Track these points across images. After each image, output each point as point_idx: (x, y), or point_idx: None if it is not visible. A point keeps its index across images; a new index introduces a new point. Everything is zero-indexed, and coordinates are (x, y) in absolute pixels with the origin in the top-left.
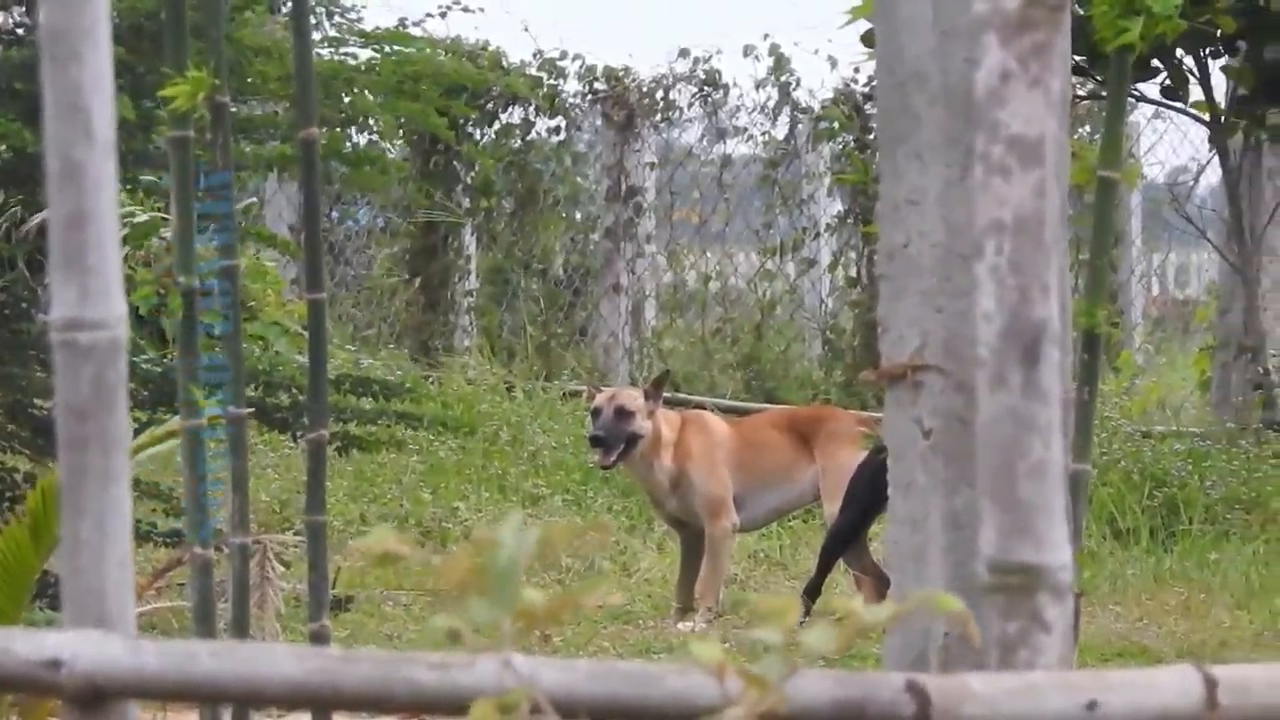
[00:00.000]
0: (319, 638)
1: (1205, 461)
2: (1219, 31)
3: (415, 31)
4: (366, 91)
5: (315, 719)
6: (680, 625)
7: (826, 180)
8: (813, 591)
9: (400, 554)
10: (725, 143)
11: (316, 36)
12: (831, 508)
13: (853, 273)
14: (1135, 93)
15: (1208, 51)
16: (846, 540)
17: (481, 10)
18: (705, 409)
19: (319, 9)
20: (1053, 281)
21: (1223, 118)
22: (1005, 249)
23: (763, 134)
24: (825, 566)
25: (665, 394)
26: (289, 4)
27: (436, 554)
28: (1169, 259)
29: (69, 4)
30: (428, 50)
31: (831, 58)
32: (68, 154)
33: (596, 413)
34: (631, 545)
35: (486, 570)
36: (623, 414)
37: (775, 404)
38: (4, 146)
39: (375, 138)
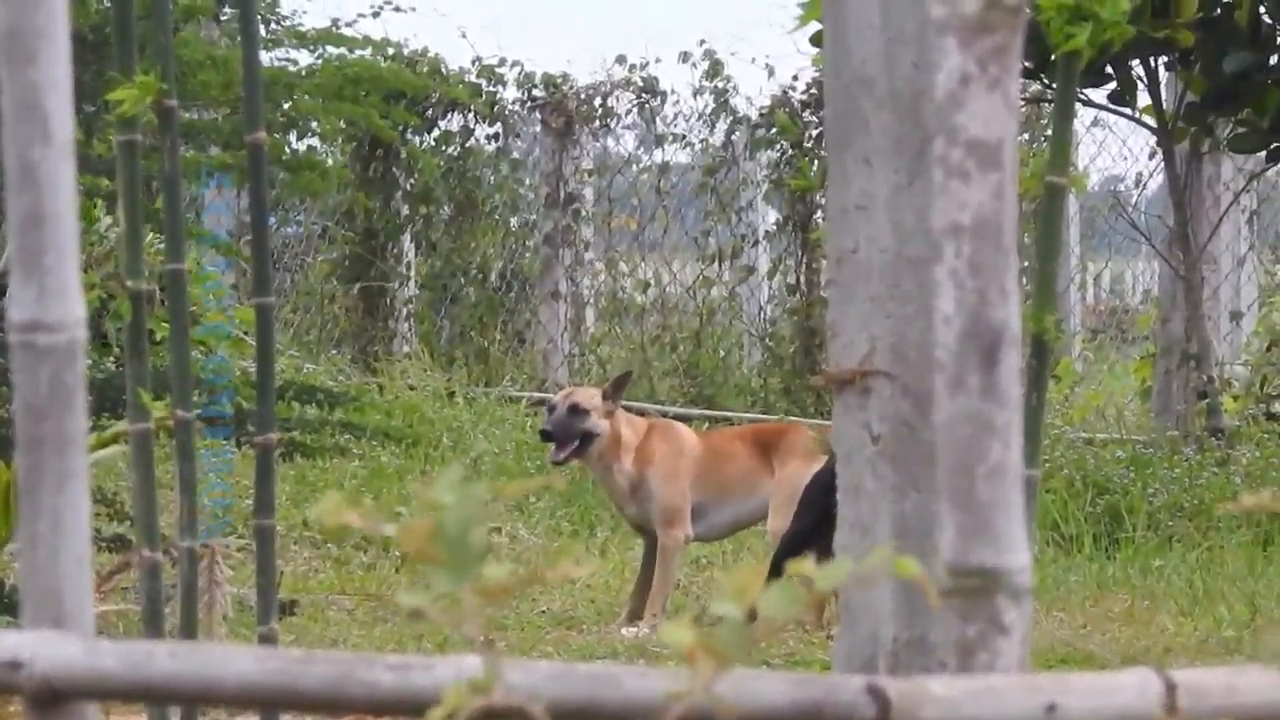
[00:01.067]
0: (268, 641)
1: (1148, 469)
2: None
3: (348, 32)
4: (307, 96)
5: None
6: (625, 631)
7: (764, 187)
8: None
9: (353, 525)
10: (663, 150)
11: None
12: (775, 521)
13: (791, 280)
14: (1082, 97)
15: (1159, 60)
16: (797, 548)
17: (413, 9)
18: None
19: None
20: (1011, 285)
21: (1169, 124)
22: (964, 252)
23: (700, 141)
24: (776, 574)
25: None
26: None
27: (389, 523)
28: (1104, 268)
29: (25, 3)
30: (364, 51)
31: (769, 65)
32: (25, 154)
33: (551, 409)
34: (573, 552)
35: (441, 537)
36: (576, 410)
37: (714, 410)
38: None
39: (315, 144)
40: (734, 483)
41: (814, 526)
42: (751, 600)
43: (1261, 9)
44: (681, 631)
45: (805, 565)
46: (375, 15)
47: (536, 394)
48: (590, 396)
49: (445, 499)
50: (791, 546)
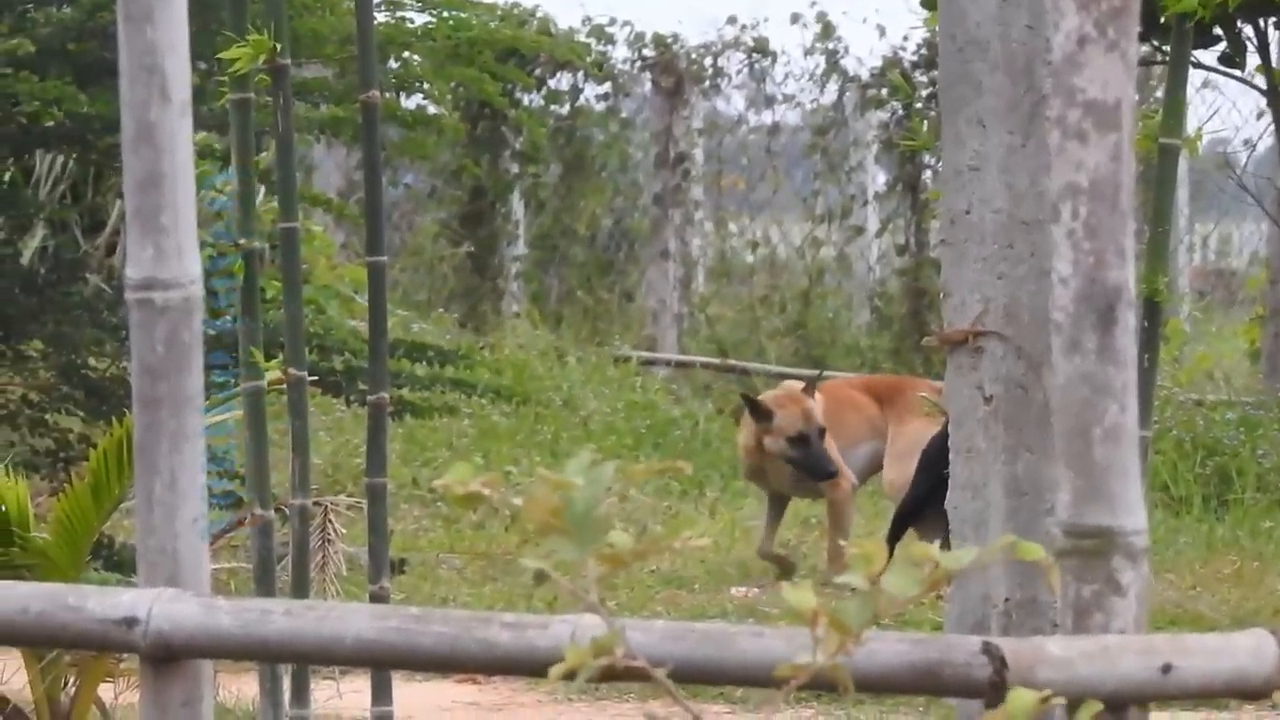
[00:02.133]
0: (379, 599)
1: (1257, 430)
2: None
3: None
4: (419, 57)
5: (376, 678)
6: (735, 591)
7: (874, 148)
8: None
9: (481, 494)
10: (773, 110)
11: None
12: (891, 471)
13: (900, 240)
14: (1192, 59)
15: (1269, 20)
16: (916, 511)
17: None
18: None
19: None
20: (1128, 246)
21: None
22: (1081, 213)
23: (811, 101)
24: (896, 535)
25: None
26: None
27: (515, 497)
28: (1213, 230)
29: None
30: (484, 21)
31: (880, 26)
32: (143, 115)
33: (804, 439)
34: (684, 510)
35: (566, 510)
36: (823, 433)
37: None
38: (58, 109)
39: (425, 103)
40: (859, 429)
41: (931, 489)
42: (877, 571)
43: None
44: (805, 595)
45: (929, 548)
46: None
47: (646, 353)
48: (817, 410)
49: (575, 480)
50: (910, 510)
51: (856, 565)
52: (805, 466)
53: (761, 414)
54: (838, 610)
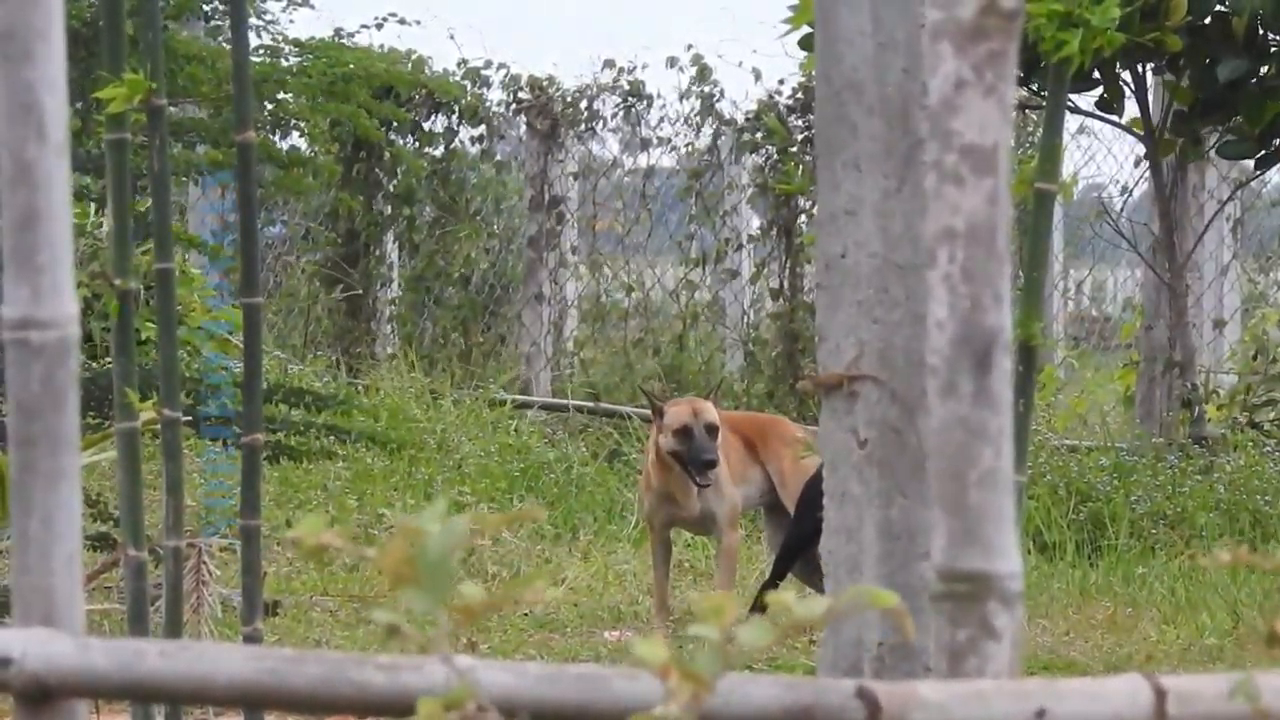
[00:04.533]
0: (253, 641)
1: (1131, 476)
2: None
3: (349, 44)
4: (296, 94)
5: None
6: (608, 634)
7: (749, 192)
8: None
9: (333, 546)
10: (648, 153)
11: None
12: (791, 507)
13: (775, 284)
14: (1070, 105)
15: (1146, 66)
16: (796, 552)
17: (419, 23)
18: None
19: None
20: (1004, 290)
21: (1156, 133)
22: (958, 257)
23: (686, 145)
24: (779, 573)
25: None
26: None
27: (367, 547)
28: (1088, 276)
29: (23, 2)
30: (360, 57)
31: (756, 69)
32: (20, 154)
33: (687, 431)
34: (557, 554)
35: (419, 561)
36: (712, 429)
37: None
38: None
39: (299, 143)
40: (737, 469)
41: (812, 531)
42: (728, 622)
43: (1258, 17)
44: (656, 649)
45: (783, 597)
46: (379, 27)
47: (520, 396)
48: (714, 412)
49: (429, 528)
50: (791, 551)
51: (707, 616)
52: (687, 458)
53: (656, 412)
54: (688, 659)
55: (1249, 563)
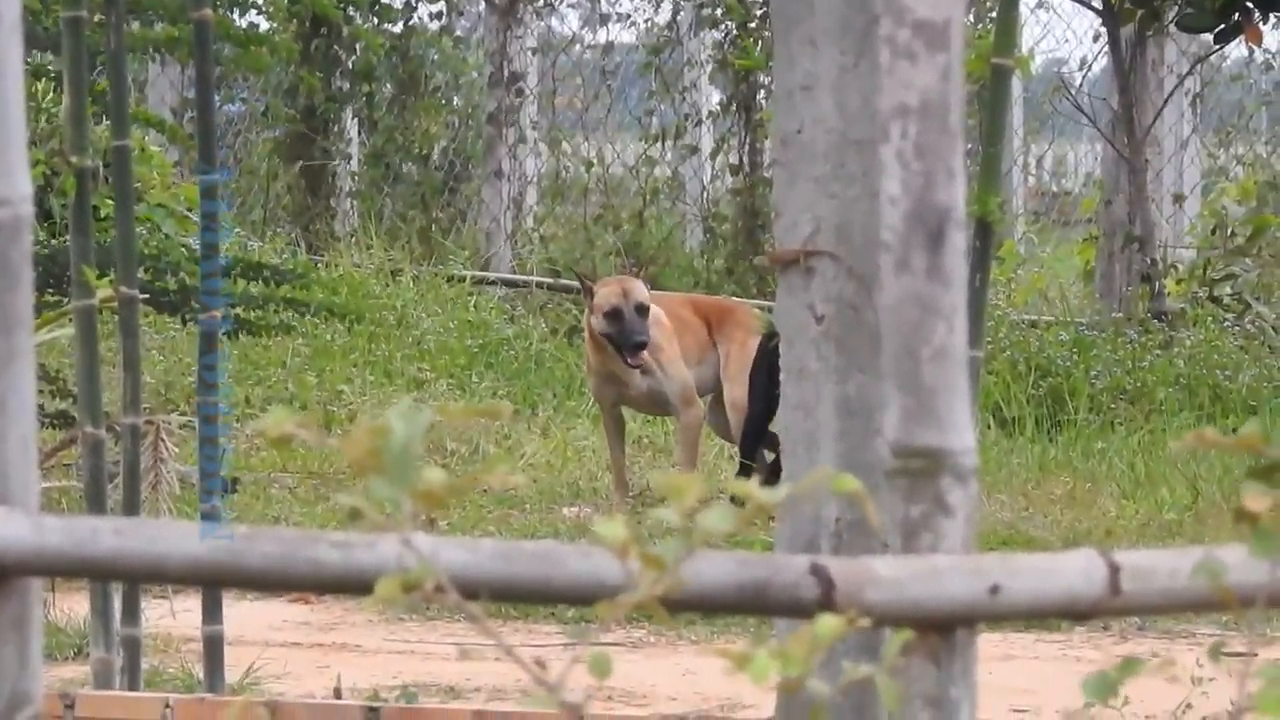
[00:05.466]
0: (210, 519)
1: (1090, 351)
2: None
3: None
4: None
5: (207, 597)
6: (567, 510)
7: (709, 68)
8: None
9: (298, 436)
10: (607, 29)
11: None
12: (733, 391)
13: (734, 160)
14: None
15: None
16: (761, 429)
17: None
18: None
19: None
20: (957, 166)
21: (1116, 6)
22: (911, 133)
23: (645, 21)
24: (748, 454)
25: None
26: None
27: (333, 437)
28: (1048, 151)
29: None
30: None
31: None
32: None
33: (616, 313)
34: (516, 431)
35: (383, 451)
36: (643, 310)
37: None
38: None
39: (258, 20)
40: (690, 351)
41: (767, 409)
42: (690, 504)
43: None
44: (615, 528)
45: (746, 484)
46: None
47: (479, 273)
48: (644, 291)
49: (394, 424)
50: (753, 431)
51: (670, 498)
52: (616, 340)
53: (587, 292)
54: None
55: (1212, 443)
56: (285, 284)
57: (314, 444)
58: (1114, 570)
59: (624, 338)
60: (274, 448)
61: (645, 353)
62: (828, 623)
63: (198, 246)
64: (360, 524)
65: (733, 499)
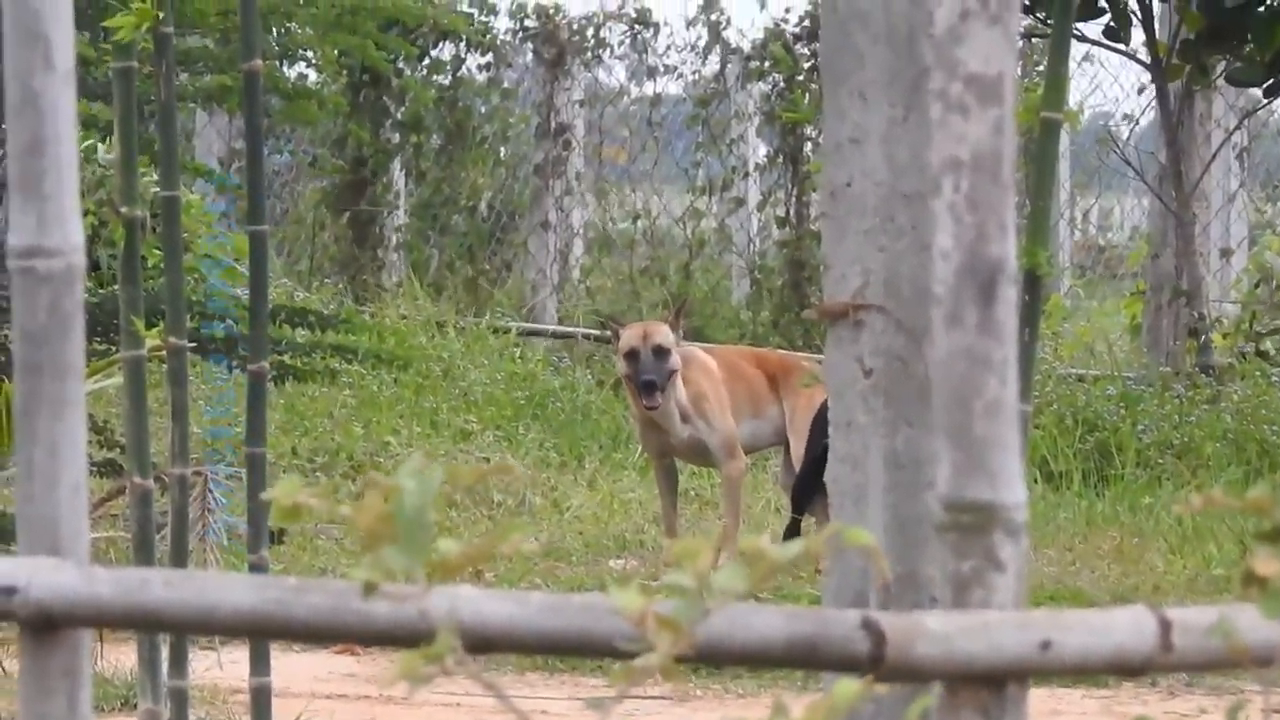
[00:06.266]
0: (258, 569)
1: (1138, 405)
2: None
3: None
4: (304, 25)
5: (255, 648)
6: (613, 563)
7: (756, 120)
8: (792, 533)
9: (308, 506)
10: (655, 81)
11: None
12: (797, 447)
13: (781, 212)
14: (1076, 33)
15: None
16: (813, 479)
17: None
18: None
19: None
20: (1009, 220)
21: (1164, 60)
22: (963, 186)
23: (693, 73)
24: (799, 506)
25: (596, 332)
26: None
27: (345, 504)
28: (1095, 205)
29: None
30: None
31: None
32: (27, 82)
33: (633, 354)
34: (562, 483)
35: (395, 518)
36: (661, 352)
37: (703, 343)
38: None
39: (308, 72)
40: (747, 404)
41: (820, 461)
42: (704, 567)
43: None
44: (630, 597)
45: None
46: None
47: (526, 324)
48: (666, 334)
49: (405, 484)
50: (805, 483)
51: (682, 562)
52: (634, 381)
53: (615, 335)
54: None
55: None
56: (331, 329)
57: (325, 513)
58: (1165, 626)
59: (638, 380)
60: (283, 520)
61: (690, 402)
62: (846, 687)
63: (245, 297)
64: (377, 597)
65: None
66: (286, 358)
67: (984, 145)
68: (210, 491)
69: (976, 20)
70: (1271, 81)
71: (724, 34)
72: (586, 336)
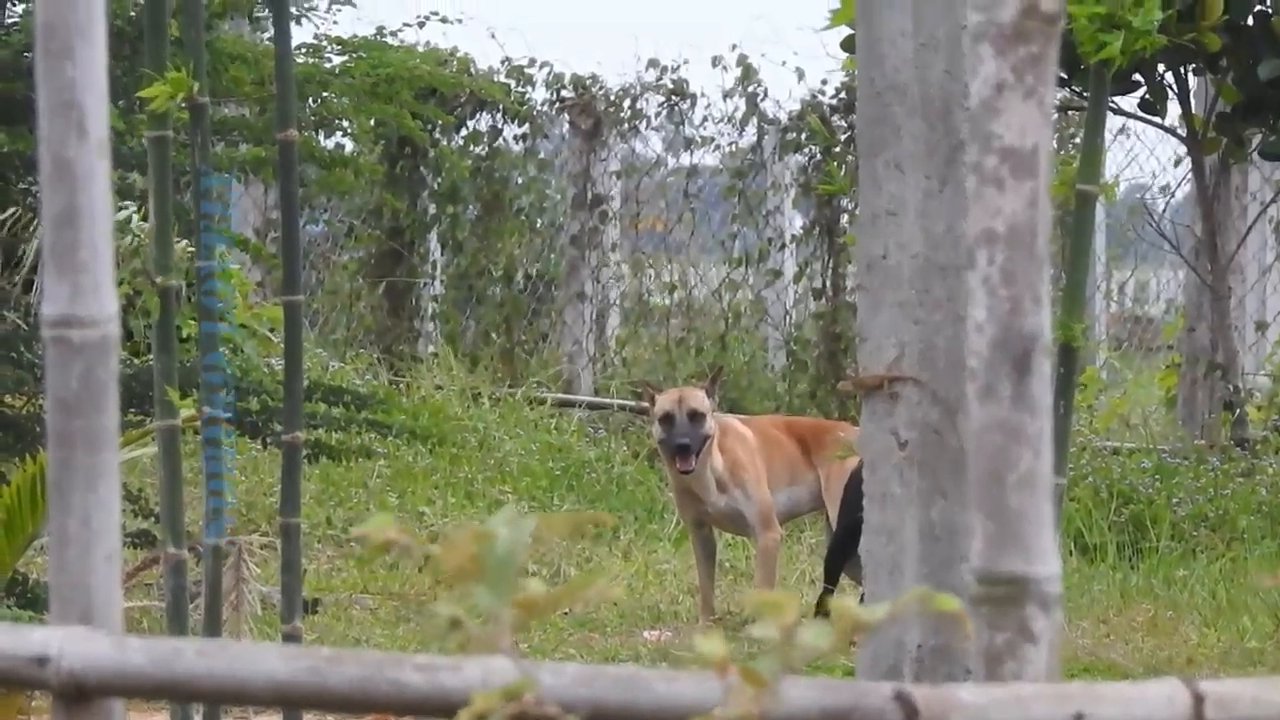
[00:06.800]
0: (292, 639)
1: (1173, 478)
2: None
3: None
4: (340, 95)
5: (289, 719)
6: (647, 634)
7: (792, 191)
8: (825, 604)
9: (400, 543)
10: (691, 152)
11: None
12: (834, 511)
13: (817, 284)
14: (1112, 106)
15: (1188, 67)
16: (846, 549)
17: (459, 21)
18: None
19: (294, 13)
20: (1044, 293)
21: (1200, 134)
22: (998, 259)
23: (729, 144)
24: (832, 577)
25: (632, 403)
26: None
27: (433, 544)
28: (1130, 277)
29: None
30: (404, 58)
31: (799, 69)
32: (60, 152)
33: (668, 419)
34: (597, 553)
35: (484, 559)
36: (696, 416)
37: (739, 414)
38: None
39: (344, 142)
40: (783, 473)
41: (856, 528)
42: (790, 621)
43: None
44: (715, 643)
45: (846, 603)
46: (421, 25)
47: (561, 395)
48: (701, 399)
49: (499, 529)
50: (836, 553)
51: (767, 615)
52: (665, 446)
53: (650, 401)
54: (749, 659)
55: None
56: (367, 408)
57: (414, 551)
58: (1198, 699)
59: (669, 444)
60: (373, 555)
61: (726, 471)
62: None
63: (280, 368)
64: (457, 635)
65: (824, 615)
66: (322, 434)
67: (1019, 218)
68: (244, 561)
69: (1012, 93)
70: None
71: (761, 105)
72: (622, 407)
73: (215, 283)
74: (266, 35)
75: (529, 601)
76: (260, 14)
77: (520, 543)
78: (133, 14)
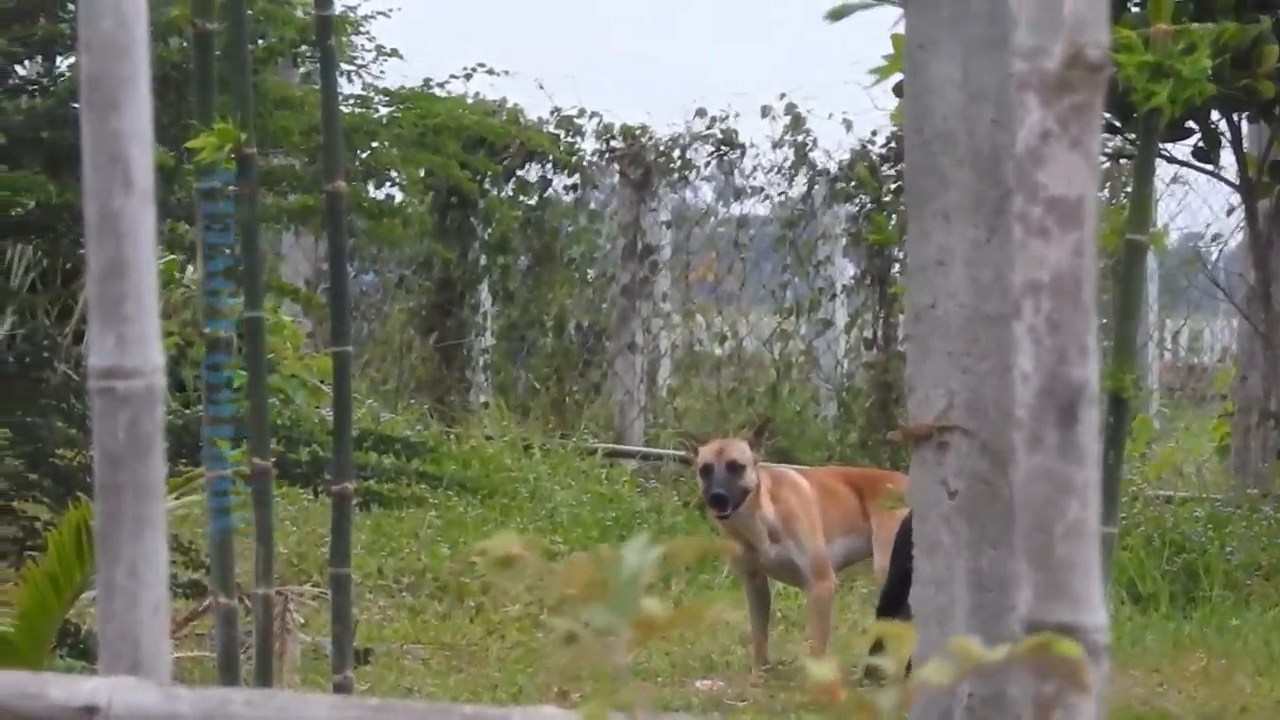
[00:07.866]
0: (343, 689)
1: (1226, 527)
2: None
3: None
4: (388, 144)
5: None
6: (700, 683)
7: (842, 241)
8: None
9: (524, 558)
10: (741, 202)
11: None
12: (881, 560)
13: (868, 334)
14: (1164, 154)
15: (1241, 114)
16: (899, 598)
17: (507, 73)
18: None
19: (342, 65)
20: (1090, 343)
21: (1254, 180)
22: (1044, 309)
23: (779, 194)
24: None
25: (684, 453)
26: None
27: (553, 564)
28: (1183, 326)
29: (109, 52)
30: (452, 108)
31: (848, 119)
32: (106, 203)
33: (708, 470)
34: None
35: (610, 579)
36: (735, 468)
37: (793, 465)
38: (27, 198)
39: (393, 192)
40: (841, 522)
41: (907, 578)
42: (907, 653)
43: None
44: (825, 669)
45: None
46: (467, 77)
47: (612, 445)
48: (743, 451)
49: (626, 553)
50: (891, 598)
51: (890, 646)
52: (706, 495)
53: (693, 451)
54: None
55: None
56: (417, 458)
57: (536, 569)
58: None
59: (708, 493)
60: (495, 570)
61: (779, 521)
62: None
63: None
64: (573, 649)
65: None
66: (373, 483)
67: (1064, 268)
68: (289, 611)
69: (1058, 143)
70: None
71: (810, 155)
72: (673, 458)
73: (224, 299)
74: (308, 74)
75: (648, 620)
76: (307, 65)
77: (646, 565)
78: (178, 59)
